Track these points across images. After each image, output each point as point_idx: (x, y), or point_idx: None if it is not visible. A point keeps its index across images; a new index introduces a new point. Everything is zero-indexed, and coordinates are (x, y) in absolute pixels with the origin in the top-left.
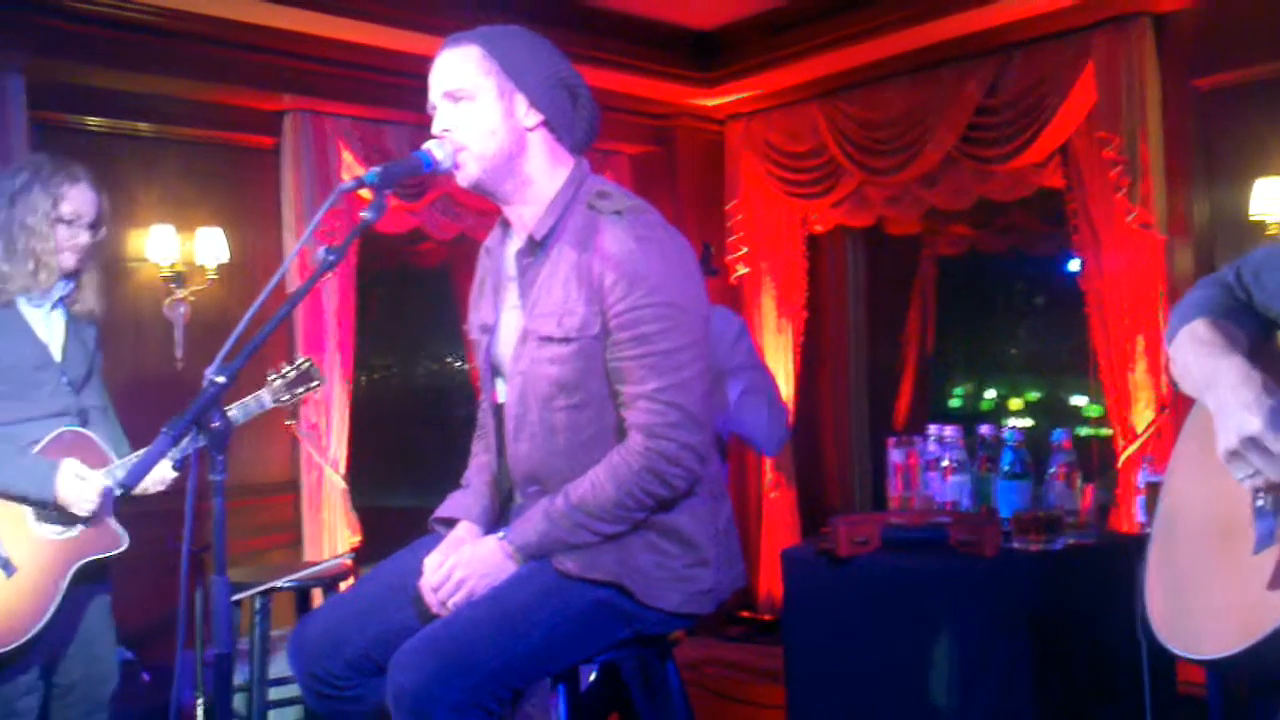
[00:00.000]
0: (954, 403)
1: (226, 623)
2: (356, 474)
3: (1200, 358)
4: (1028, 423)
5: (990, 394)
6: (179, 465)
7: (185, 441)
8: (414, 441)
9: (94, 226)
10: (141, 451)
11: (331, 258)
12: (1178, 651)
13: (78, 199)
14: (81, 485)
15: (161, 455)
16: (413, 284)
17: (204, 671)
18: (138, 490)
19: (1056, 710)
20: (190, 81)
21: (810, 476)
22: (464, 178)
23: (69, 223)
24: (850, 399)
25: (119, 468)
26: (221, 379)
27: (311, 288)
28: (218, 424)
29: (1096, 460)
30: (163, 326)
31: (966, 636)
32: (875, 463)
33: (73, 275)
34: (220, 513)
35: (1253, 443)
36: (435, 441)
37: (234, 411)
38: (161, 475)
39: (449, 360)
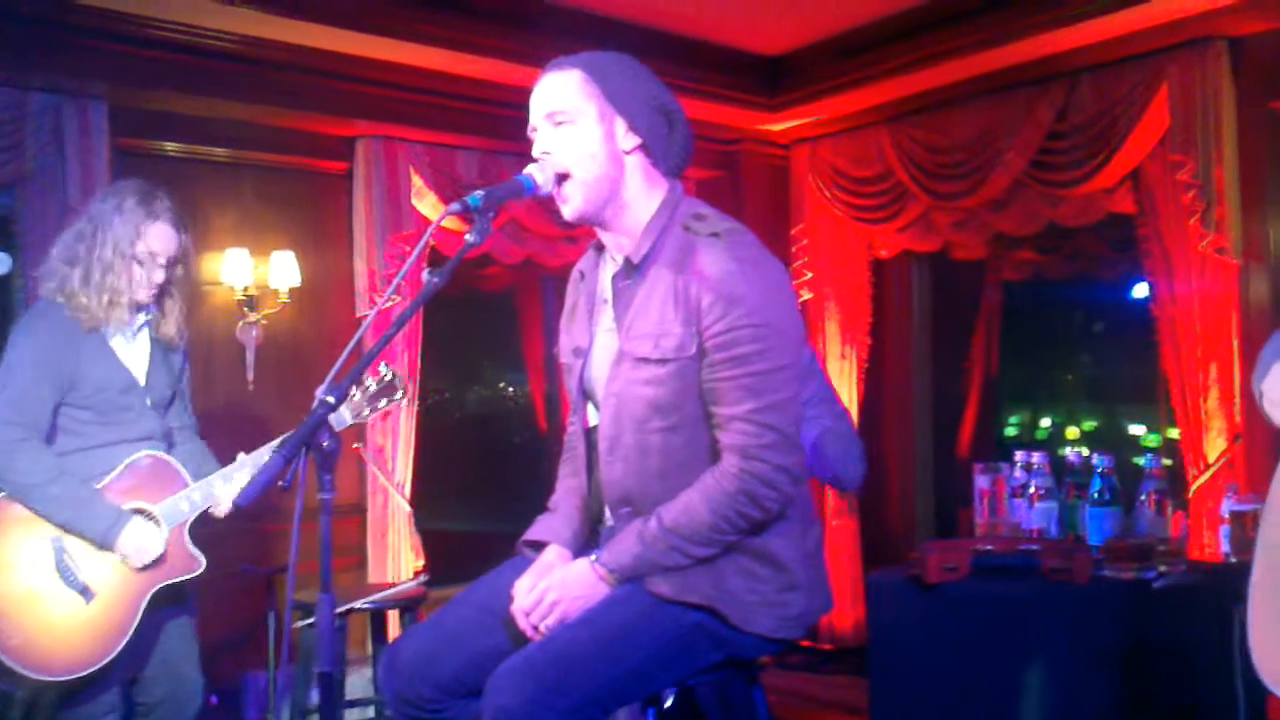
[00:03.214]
0: (1010, 430)
1: (330, 641)
2: (418, 499)
3: None
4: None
5: (1046, 422)
6: (287, 485)
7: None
8: (471, 466)
9: (172, 263)
10: (217, 474)
11: (436, 280)
12: None
13: (155, 238)
14: (144, 541)
15: (275, 476)
16: (477, 309)
17: (275, 694)
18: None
19: None
20: (264, 107)
21: (873, 504)
22: (570, 210)
23: (145, 261)
24: (914, 426)
25: (195, 490)
26: (331, 399)
27: (417, 310)
28: (328, 443)
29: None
30: (235, 349)
31: (1058, 665)
32: (938, 490)
33: (154, 303)
34: (326, 532)
35: None
36: (493, 467)
37: None
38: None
39: (508, 387)
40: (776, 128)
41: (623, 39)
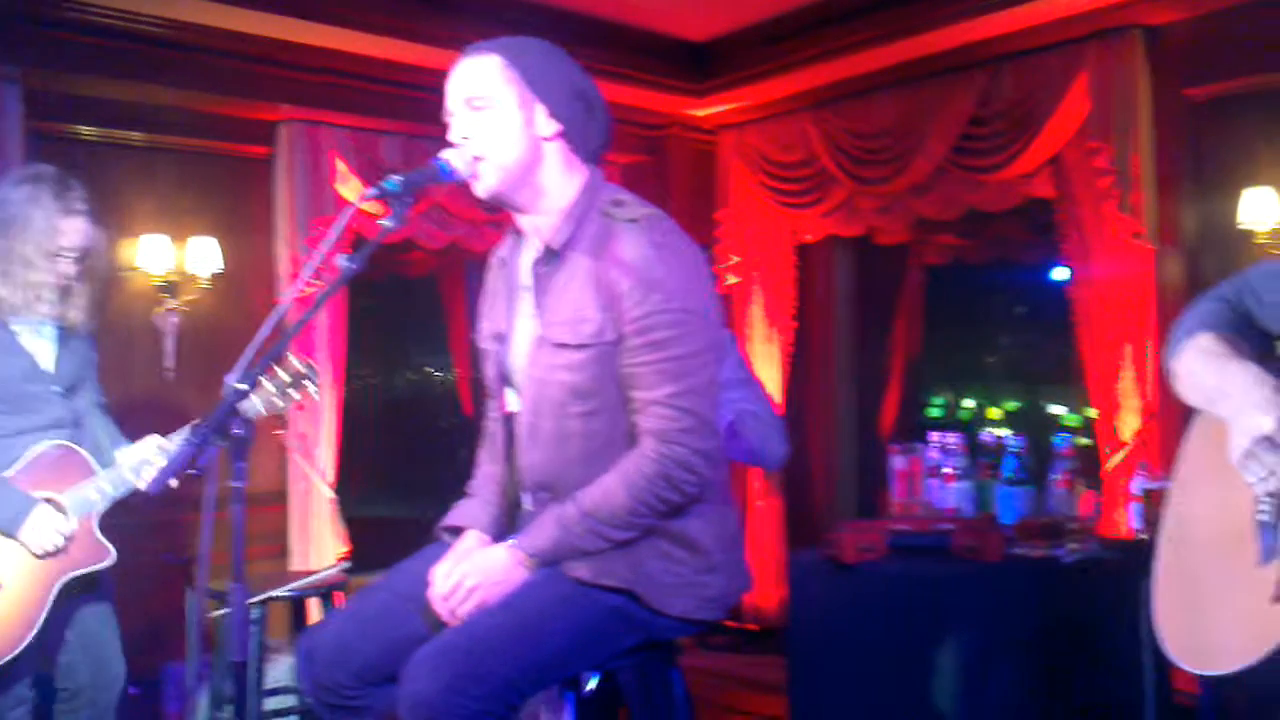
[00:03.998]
0: (933, 412)
1: (243, 631)
2: (341, 485)
3: (1210, 368)
4: (1005, 432)
5: (969, 403)
6: (199, 472)
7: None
8: (396, 452)
9: (83, 255)
10: (131, 459)
11: (353, 266)
12: (1186, 667)
13: (72, 232)
14: (48, 529)
15: (185, 463)
16: (404, 293)
17: (193, 684)
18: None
19: (1059, 716)
20: (185, 91)
21: (797, 485)
22: (482, 187)
23: (59, 255)
24: (838, 408)
25: (105, 479)
26: (244, 386)
27: (331, 295)
28: (239, 431)
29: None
30: (154, 336)
31: (971, 642)
32: (861, 471)
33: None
34: (239, 521)
35: (1267, 442)
36: (418, 452)
37: None
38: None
39: (433, 370)
40: (702, 113)
41: (549, 23)
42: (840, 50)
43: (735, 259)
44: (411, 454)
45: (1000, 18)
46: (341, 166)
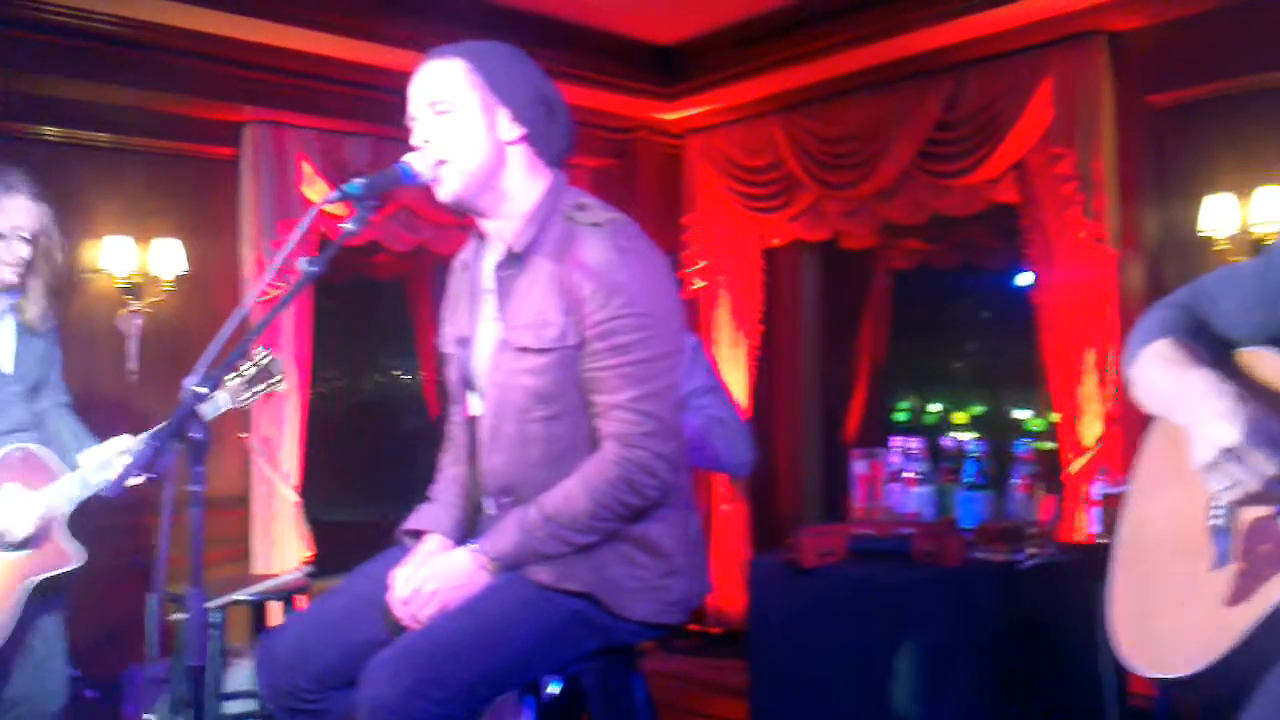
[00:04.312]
0: (899, 416)
1: (201, 635)
2: (306, 488)
3: (1167, 375)
4: (974, 436)
5: (935, 407)
6: (158, 475)
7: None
8: (362, 455)
9: (34, 238)
10: (96, 461)
11: (314, 269)
12: (1140, 671)
13: (15, 211)
14: (11, 516)
15: (142, 466)
16: (372, 296)
17: (152, 688)
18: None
19: (1017, 718)
20: (149, 92)
21: (763, 490)
22: (445, 192)
23: (7, 235)
24: (804, 412)
25: (69, 481)
26: (203, 389)
27: (293, 298)
28: (198, 435)
29: (1044, 473)
30: (117, 338)
31: (931, 646)
32: (827, 475)
33: (18, 287)
34: (198, 524)
35: (1230, 454)
36: (384, 455)
37: None
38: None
39: (400, 373)
40: (670, 117)
41: (517, 26)
42: (808, 55)
43: (702, 263)
44: (377, 457)
45: (967, 23)
46: (307, 168)
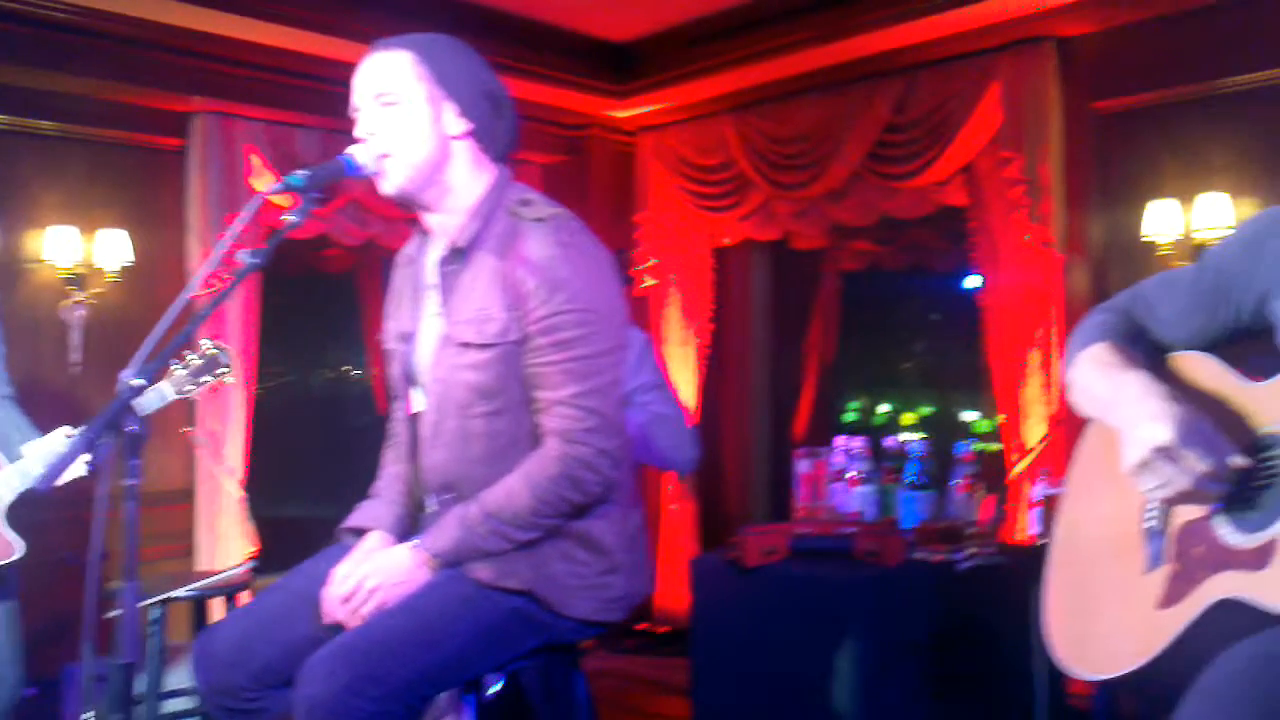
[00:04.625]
0: (849, 416)
1: (134, 631)
2: (251, 483)
3: (1102, 378)
4: (919, 437)
5: (884, 408)
6: (93, 469)
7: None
8: (310, 451)
9: None
10: (37, 452)
11: (255, 260)
12: (1074, 672)
13: None
14: None
15: (74, 458)
16: (322, 290)
17: (93, 686)
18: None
19: (955, 717)
20: (96, 80)
21: (711, 489)
22: (389, 185)
23: None
24: (753, 412)
25: (9, 473)
26: (140, 382)
27: (234, 290)
28: (133, 428)
29: (986, 474)
30: (60, 329)
31: (868, 646)
32: (775, 475)
33: None
34: (133, 518)
35: (1163, 453)
36: (331, 451)
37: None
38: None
39: (349, 368)
40: (623, 115)
41: (469, 21)
42: (760, 55)
43: (653, 261)
44: (325, 453)
45: (917, 26)
46: (256, 161)
